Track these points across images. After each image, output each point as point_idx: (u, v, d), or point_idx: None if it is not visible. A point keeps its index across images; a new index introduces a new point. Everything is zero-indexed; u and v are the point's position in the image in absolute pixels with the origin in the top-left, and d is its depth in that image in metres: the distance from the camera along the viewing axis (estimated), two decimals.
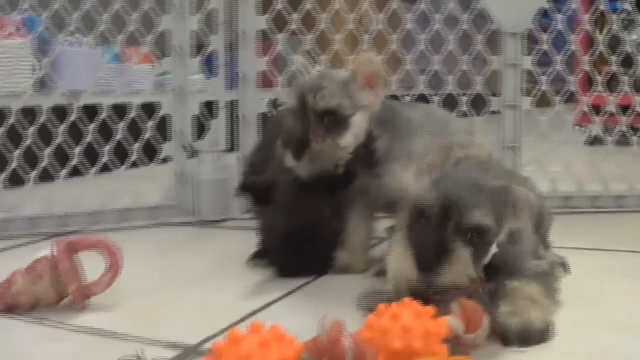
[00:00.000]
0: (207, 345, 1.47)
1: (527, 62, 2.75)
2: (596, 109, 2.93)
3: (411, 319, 1.27)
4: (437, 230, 1.45)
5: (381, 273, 1.91)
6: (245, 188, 2.05)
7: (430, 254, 1.43)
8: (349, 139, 1.88)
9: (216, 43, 2.78)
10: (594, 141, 4.71)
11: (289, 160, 1.84)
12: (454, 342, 1.33)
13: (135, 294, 1.82)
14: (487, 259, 1.50)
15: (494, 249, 1.51)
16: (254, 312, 1.69)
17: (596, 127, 3.09)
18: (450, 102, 2.69)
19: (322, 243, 1.99)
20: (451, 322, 1.33)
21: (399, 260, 1.48)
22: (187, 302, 1.81)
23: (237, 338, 1.17)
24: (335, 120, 1.86)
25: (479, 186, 1.49)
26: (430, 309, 1.31)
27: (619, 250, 2.22)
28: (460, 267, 1.44)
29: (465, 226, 1.46)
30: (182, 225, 2.69)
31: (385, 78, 1.95)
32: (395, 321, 1.26)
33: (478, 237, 1.47)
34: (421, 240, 1.46)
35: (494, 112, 2.78)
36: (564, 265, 1.92)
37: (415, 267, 1.44)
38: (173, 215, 2.75)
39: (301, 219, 1.95)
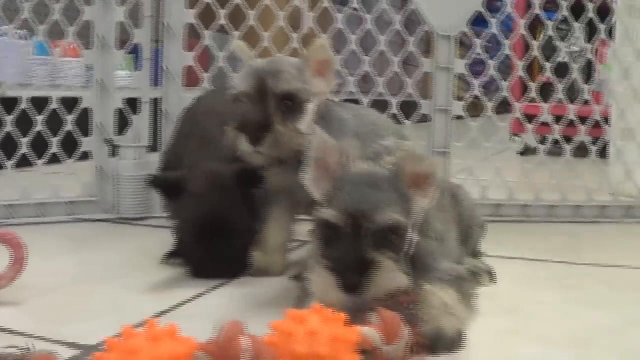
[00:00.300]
0: None
1: (460, 66, 2.70)
2: (530, 118, 2.89)
3: (318, 324, 1.20)
4: (353, 243, 1.39)
5: (299, 277, 1.85)
6: (155, 184, 1.98)
7: (352, 274, 1.36)
8: (306, 126, 1.80)
9: (140, 37, 2.69)
10: (527, 151, 4.71)
11: (245, 146, 1.76)
12: (374, 355, 1.27)
13: (44, 290, 1.76)
14: (409, 253, 1.46)
15: (413, 243, 1.47)
16: (163, 313, 1.63)
17: (530, 136, 3.06)
18: (380, 105, 2.63)
19: (238, 242, 1.92)
20: (367, 332, 1.26)
21: (321, 284, 1.40)
22: (96, 300, 1.74)
23: (130, 334, 1.13)
24: (293, 105, 1.80)
25: (377, 183, 1.44)
26: (342, 316, 1.24)
27: (547, 261, 2.19)
28: (387, 278, 1.38)
29: (378, 231, 1.40)
30: (102, 221, 2.61)
31: (335, 67, 1.88)
32: (301, 325, 1.20)
33: (395, 237, 1.42)
34: (340, 258, 1.39)
35: (424, 117, 2.71)
36: (490, 274, 1.91)
37: (340, 290, 1.36)
38: (93, 212, 2.66)
39: (214, 216, 1.89)
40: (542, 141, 3.03)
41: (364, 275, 1.36)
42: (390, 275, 1.38)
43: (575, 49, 4.01)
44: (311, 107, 1.84)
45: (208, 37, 2.69)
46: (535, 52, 2.79)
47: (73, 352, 1.38)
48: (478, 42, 2.75)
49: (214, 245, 1.88)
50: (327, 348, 1.18)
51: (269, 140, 1.75)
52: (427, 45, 2.70)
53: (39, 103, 2.62)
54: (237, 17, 2.64)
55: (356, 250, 1.38)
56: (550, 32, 2.82)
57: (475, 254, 1.97)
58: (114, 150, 2.66)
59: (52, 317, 1.59)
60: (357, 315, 1.30)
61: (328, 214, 1.43)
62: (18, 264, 1.66)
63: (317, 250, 1.47)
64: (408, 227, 1.45)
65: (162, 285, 1.86)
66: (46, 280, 1.82)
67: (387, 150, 1.92)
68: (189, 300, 1.74)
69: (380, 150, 1.94)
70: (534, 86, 2.79)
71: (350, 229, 1.40)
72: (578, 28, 2.85)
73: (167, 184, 1.98)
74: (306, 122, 1.81)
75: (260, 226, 1.96)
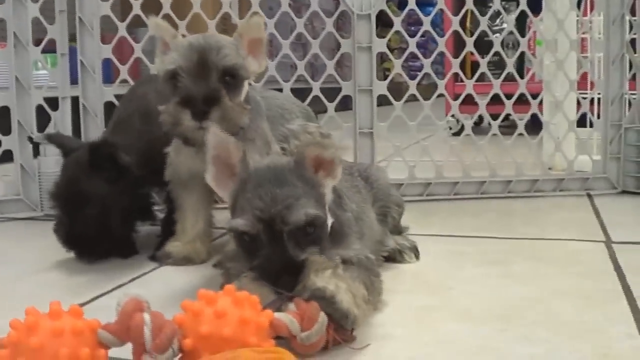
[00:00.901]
0: None
1: (381, 45, 2.68)
2: (457, 97, 2.88)
3: (228, 305, 1.18)
4: (274, 249, 1.36)
5: (222, 264, 1.82)
6: (51, 139, 2.09)
7: (284, 278, 1.33)
8: (244, 100, 1.77)
9: (54, 32, 2.64)
10: (461, 131, 4.71)
11: (189, 122, 1.70)
12: (291, 342, 1.25)
13: None
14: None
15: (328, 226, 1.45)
16: (82, 305, 1.54)
17: (462, 116, 3.05)
18: (302, 89, 2.60)
19: (92, 212, 1.91)
20: (282, 317, 1.24)
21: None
22: (12, 297, 1.71)
23: (31, 326, 1.10)
24: (234, 81, 1.75)
25: (281, 178, 1.40)
26: (255, 298, 1.22)
27: (475, 237, 2.17)
28: (319, 277, 1.33)
29: (296, 230, 1.37)
30: (28, 219, 2.57)
31: (267, 47, 1.84)
32: (209, 306, 1.18)
33: (314, 230, 1.39)
34: (265, 266, 1.35)
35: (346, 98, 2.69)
36: (414, 249, 1.91)
37: (274, 292, 1.32)
38: (18, 210, 2.63)
39: (67, 187, 1.94)
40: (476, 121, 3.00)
41: (296, 276, 1.33)
42: (320, 273, 1.34)
43: (504, 25, 4.01)
44: (245, 86, 1.81)
45: (122, 28, 2.65)
46: (457, 27, 2.78)
47: None
48: (398, 20, 2.72)
49: (70, 215, 1.92)
50: (231, 329, 1.15)
51: (216, 115, 1.69)
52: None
53: None
54: (151, 7, 2.60)
55: (279, 256, 1.35)
56: (472, 7, 2.80)
57: (399, 231, 1.96)
58: (37, 148, 2.62)
59: None
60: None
61: (239, 223, 1.38)
62: None
63: (240, 258, 1.44)
64: (323, 215, 1.42)
65: (83, 279, 1.82)
66: None
67: (294, 133, 1.89)
68: (107, 292, 1.71)
69: (287, 134, 1.92)
70: (457, 63, 2.78)
71: (266, 234, 1.36)
72: (499, 3, 2.84)
73: (62, 142, 2.04)
74: (244, 99, 1.78)
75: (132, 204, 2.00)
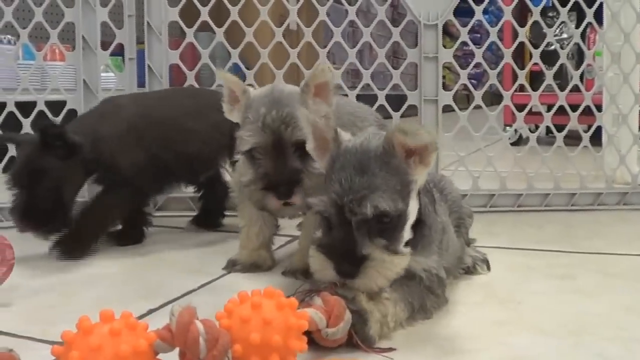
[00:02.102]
0: None
1: (447, 55, 2.68)
2: (520, 108, 2.86)
3: (273, 311, 1.22)
4: (345, 233, 1.39)
5: (290, 272, 1.89)
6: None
7: (347, 263, 1.37)
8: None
9: (122, 37, 2.67)
10: (520, 141, 4.68)
11: (275, 204, 1.73)
12: (316, 336, 1.31)
13: None
14: (405, 238, 1.45)
15: (408, 227, 1.46)
16: (151, 311, 1.61)
17: (527, 126, 3.03)
18: (368, 98, 2.61)
19: (41, 190, 2.06)
20: (313, 315, 1.29)
21: (319, 264, 1.42)
22: (81, 301, 1.70)
23: (88, 328, 1.11)
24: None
25: (367, 164, 1.41)
26: (293, 301, 1.26)
27: (541, 250, 2.16)
28: (378, 271, 1.37)
29: (367, 220, 1.38)
30: None
31: (334, 85, 1.82)
32: (255, 311, 1.21)
33: (387, 222, 1.40)
34: (333, 247, 1.39)
35: (411, 108, 2.69)
36: (487, 262, 1.93)
37: (336, 275, 1.38)
38: None
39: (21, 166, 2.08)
40: (534, 130, 2.98)
41: (357, 266, 1.36)
42: (381, 269, 1.38)
43: (565, 35, 3.98)
44: None
45: (190, 34, 2.67)
46: (524, 38, 2.76)
47: None
48: (464, 30, 2.71)
49: (27, 190, 2.06)
50: (280, 337, 1.19)
51: (299, 194, 1.71)
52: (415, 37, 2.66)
53: (25, 107, 2.61)
54: (219, 14, 2.61)
55: (345, 242, 1.38)
56: (538, 19, 2.78)
57: (468, 243, 1.96)
58: None
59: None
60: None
61: (315, 203, 1.44)
62: (5, 265, 1.67)
63: (319, 231, 1.47)
64: (401, 209, 1.42)
65: (152, 285, 1.84)
66: None
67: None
68: (176, 298, 1.71)
69: None
70: (523, 74, 2.75)
71: (337, 219, 1.39)
72: (565, 14, 2.81)
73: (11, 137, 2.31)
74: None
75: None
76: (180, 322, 1.16)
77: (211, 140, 2.30)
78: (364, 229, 1.38)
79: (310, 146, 1.54)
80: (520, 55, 2.81)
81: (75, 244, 2.11)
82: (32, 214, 2.05)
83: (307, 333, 1.27)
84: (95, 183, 2.23)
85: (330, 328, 1.30)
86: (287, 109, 1.73)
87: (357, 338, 1.34)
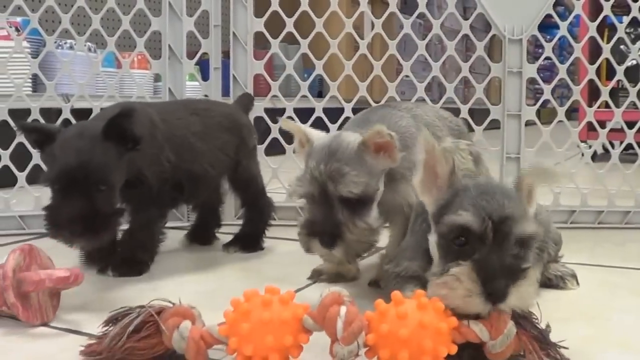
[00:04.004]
0: None
1: (531, 70, 2.68)
2: (601, 125, 2.85)
3: (411, 308, 1.27)
4: (497, 250, 1.34)
5: (375, 282, 1.92)
6: (25, 129, 1.96)
7: (500, 281, 1.30)
8: (374, 219, 1.77)
9: (207, 46, 2.72)
10: (595, 157, 4.64)
11: (320, 250, 1.76)
12: (482, 347, 1.31)
13: None
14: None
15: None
16: None
17: (600, 142, 3.01)
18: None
19: (98, 195, 1.77)
20: (474, 326, 1.30)
21: (462, 291, 1.32)
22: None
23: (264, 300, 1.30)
24: (358, 201, 1.75)
25: (506, 192, 1.41)
26: (440, 305, 1.29)
27: (625, 268, 2.15)
28: (529, 289, 1.35)
29: (522, 238, 1.38)
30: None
31: (396, 143, 1.77)
32: (395, 307, 1.27)
33: (532, 246, 1.42)
34: (486, 265, 1.32)
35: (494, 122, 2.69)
36: (575, 277, 1.94)
37: (484, 299, 1.30)
38: None
39: (76, 164, 1.77)
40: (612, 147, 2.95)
41: (511, 283, 1.31)
42: (532, 287, 1.37)
43: None
44: (378, 196, 1.80)
45: (275, 46, 2.71)
46: (608, 55, 2.75)
47: None
48: (548, 45, 2.70)
49: (71, 197, 1.75)
50: (408, 331, 1.23)
51: (342, 246, 1.73)
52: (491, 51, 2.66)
53: None
54: (303, 25, 2.64)
55: (501, 258, 1.33)
56: (623, 35, 2.76)
57: (555, 259, 1.96)
58: None
59: None
60: None
61: (467, 218, 1.37)
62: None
63: (443, 255, 1.42)
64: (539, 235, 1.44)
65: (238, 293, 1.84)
66: None
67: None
68: None
69: None
70: (606, 91, 2.74)
71: (492, 234, 1.35)
72: None
73: (37, 131, 1.90)
74: (373, 215, 1.78)
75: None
76: (324, 302, 1.28)
77: (217, 162, 2.26)
78: (515, 248, 1.37)
79: (416, 180, 1.51)
80: (596, 71, 2.78)
81: (134, 264, 2.05)
82: (91, 219, 1.75)
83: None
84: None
85: (492, 341, 1.29)
86: (336, 164, 1.73)
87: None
